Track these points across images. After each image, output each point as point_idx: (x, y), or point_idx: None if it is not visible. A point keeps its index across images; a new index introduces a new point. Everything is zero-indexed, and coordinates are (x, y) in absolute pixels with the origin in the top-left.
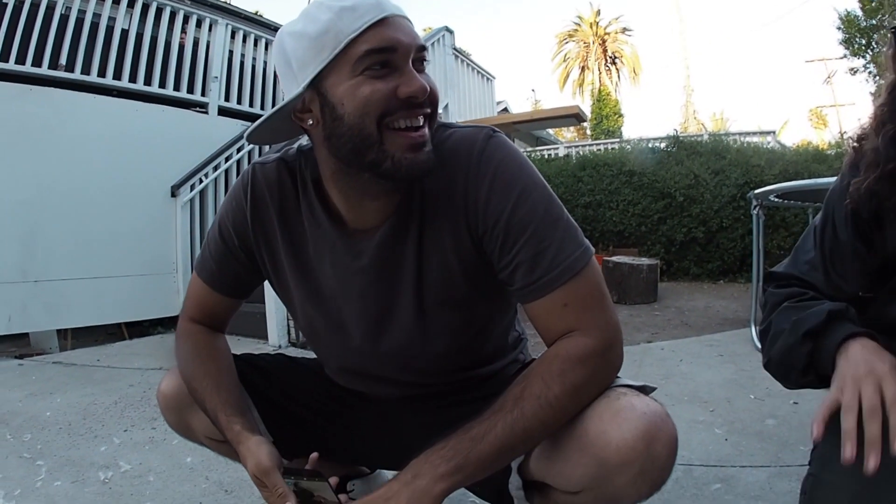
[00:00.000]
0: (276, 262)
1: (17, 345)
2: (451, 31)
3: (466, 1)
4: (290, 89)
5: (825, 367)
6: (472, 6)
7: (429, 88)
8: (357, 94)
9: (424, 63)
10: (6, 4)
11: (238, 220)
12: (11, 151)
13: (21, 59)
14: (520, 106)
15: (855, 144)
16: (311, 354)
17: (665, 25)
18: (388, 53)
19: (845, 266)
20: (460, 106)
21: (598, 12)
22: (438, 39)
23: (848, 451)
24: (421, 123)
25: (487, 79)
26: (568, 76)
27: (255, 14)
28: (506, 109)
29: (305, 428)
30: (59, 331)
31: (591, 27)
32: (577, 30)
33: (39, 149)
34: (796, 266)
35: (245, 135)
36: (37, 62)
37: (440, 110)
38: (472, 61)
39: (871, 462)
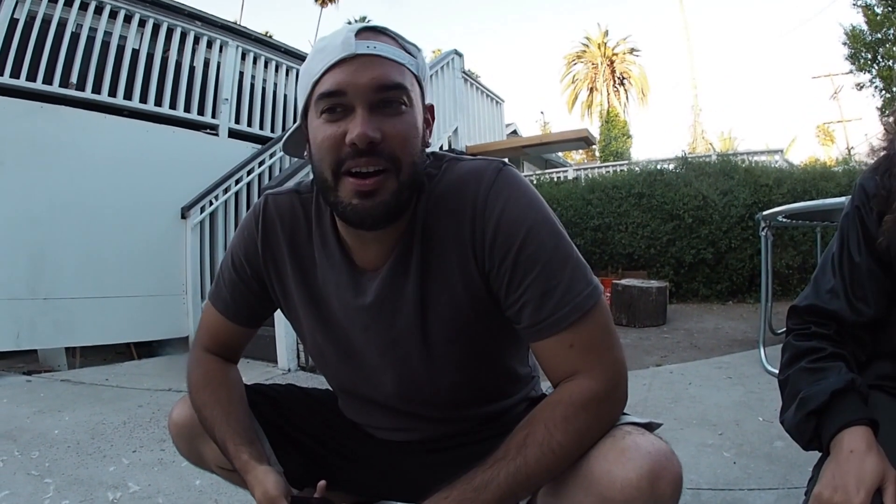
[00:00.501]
0: (286, 291)
1: (25, 361)
2: (460, 55)
3: (474, 22)
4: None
5: (826, 445)
6: (480, 27)
7: (375, 135)
8: (316, 137)
9: (401, 103)
10: (17, 20)
11: (250, 251)
12: (21, 168)
13: (32, 77)
14: (529, 128)
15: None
16: (323, 381)
17: (673, 45)
18: (338, 97)
19: (865, 288)
20: (469, 129)
21: (606, 33)
22: (448, 63)
23: None
24: (371, 170)
25: (497, 102)
26: (577, 97)
27: (266, 35)
28: (515, 132)
29: (314, 459)
30: (67, 348)
31: (598, 48)
32: (585, 51)
33: (49, 166)
34: (818, 296)
35: (281, 145)
36: (47, 80)
37: (449, 133)
38: (481, 84)
39: None
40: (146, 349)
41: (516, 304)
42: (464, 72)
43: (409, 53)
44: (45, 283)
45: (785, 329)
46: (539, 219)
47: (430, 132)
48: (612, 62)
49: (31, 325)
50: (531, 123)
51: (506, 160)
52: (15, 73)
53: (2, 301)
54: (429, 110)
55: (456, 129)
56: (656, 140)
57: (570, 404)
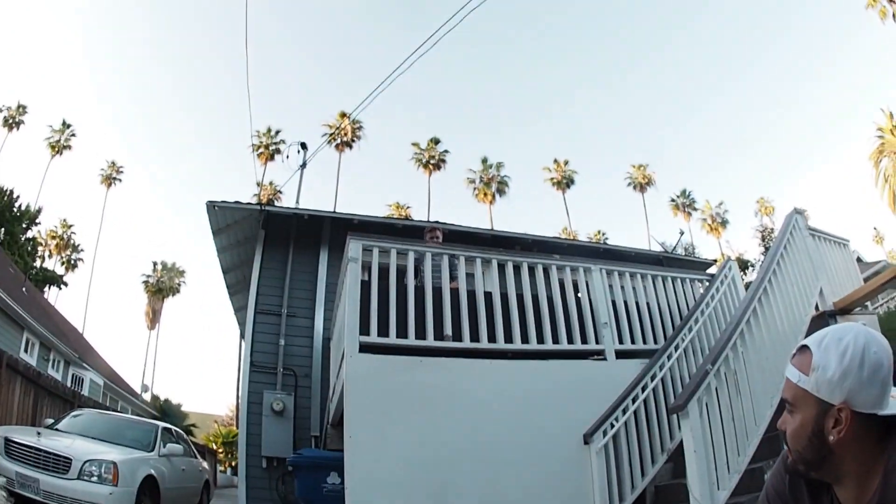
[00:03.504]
0: None
1: None
2: (800, 212)
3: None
4: None
5: None
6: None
7: (781, 427)
8: None
9: (787, 410)
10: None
11: (777, 485)
12: (409, 416)
13: (401, 334)
14: (862, 247)
15: None
16: None
17: None
18: None
19: None
20: (832, 284)
21: (892, 115)
22: (793, 224)
23: None
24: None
25: (842, 244)
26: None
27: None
28: (859, 259)
29: None
30: None
31: (892, 133)
32: (883, 143)
33: (438, 411)
34: None
35: None
36: (420, 335)
37: (815, 298)
38: (826, 234)
39: None
40: None
41: None
42: (809, 229)
43: (819, 365)
44: None
45: None
46: None
47: (843, 428)
48: None
49: None
50: (863, 242)
51: None
52: (382, 332)
53: None
54: (839, 410)
55: (821, 290)
56: None
57: None
